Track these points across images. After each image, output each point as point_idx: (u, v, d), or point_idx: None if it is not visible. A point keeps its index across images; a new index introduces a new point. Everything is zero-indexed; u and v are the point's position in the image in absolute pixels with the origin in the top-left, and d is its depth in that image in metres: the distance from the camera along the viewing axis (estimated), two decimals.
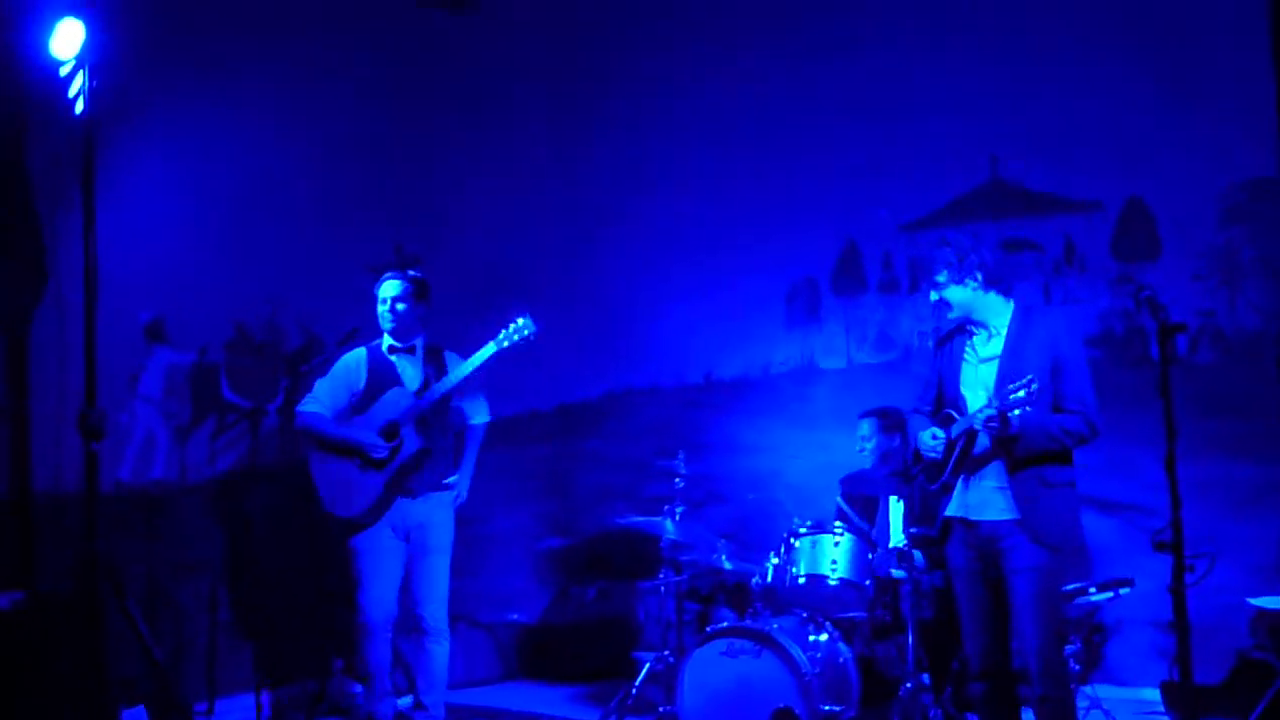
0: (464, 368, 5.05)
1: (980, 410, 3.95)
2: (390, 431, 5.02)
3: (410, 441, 5.02)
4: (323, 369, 5.27)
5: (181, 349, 6.10)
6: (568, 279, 7.52)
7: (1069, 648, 4.89)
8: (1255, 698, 3.03)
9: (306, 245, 6.59)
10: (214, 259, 6.16)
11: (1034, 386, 3.73)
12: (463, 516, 6.82)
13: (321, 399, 5.15)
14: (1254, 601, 4.84)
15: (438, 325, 5.94)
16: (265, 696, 5.19)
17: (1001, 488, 4.01)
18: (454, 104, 7.40)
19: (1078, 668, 4.95)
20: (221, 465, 6.18)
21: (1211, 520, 5.36)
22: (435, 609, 5.14)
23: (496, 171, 7.52)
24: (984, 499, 4.06)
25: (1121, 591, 4.98)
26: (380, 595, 5.09)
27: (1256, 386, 5.60)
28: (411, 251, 7.20)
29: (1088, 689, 5.19)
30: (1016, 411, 3.85)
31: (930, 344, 5.93)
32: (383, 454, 4.99)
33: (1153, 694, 5.23)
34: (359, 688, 5.93)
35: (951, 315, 4.23)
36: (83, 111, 4.08)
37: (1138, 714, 5.15)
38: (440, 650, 5.16)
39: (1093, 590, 5.00)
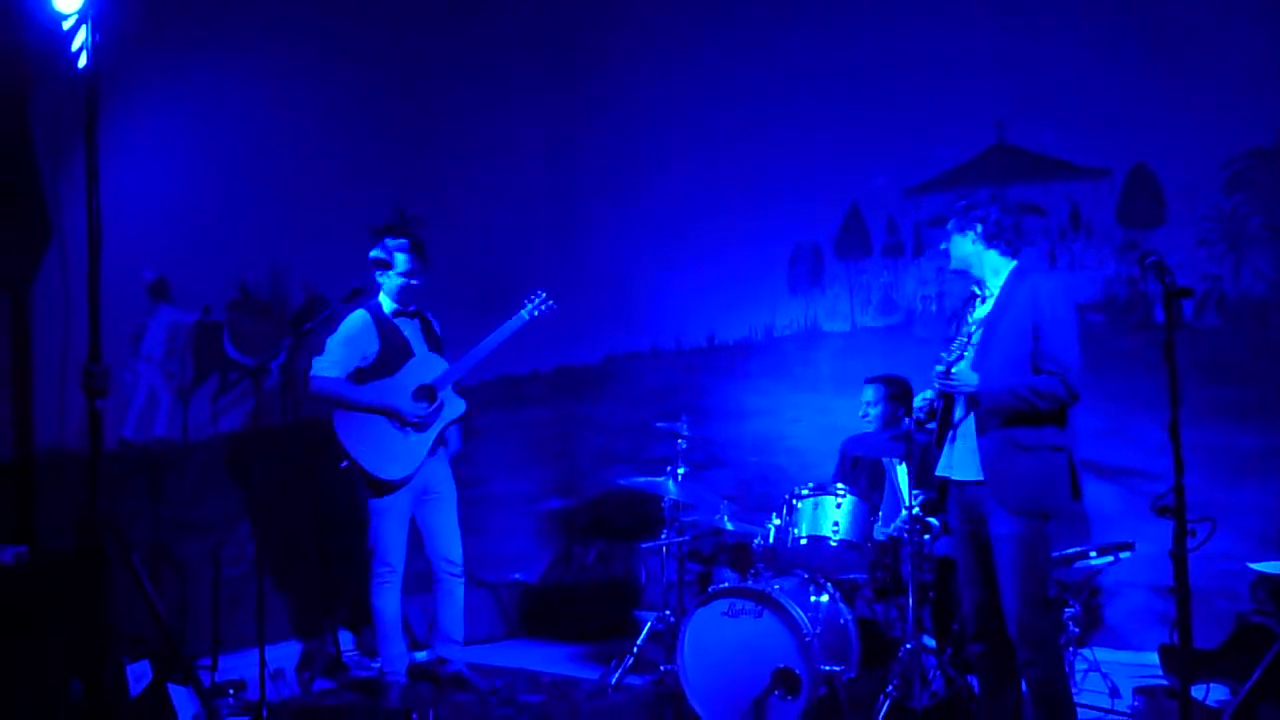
0: (495, 336, 5.31)
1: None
2: (428, 395, 5.22)
3: (451, 405, 5.29)
4: (326, 326, 5.31)
5: (185, 308, 6.09)
6: (570, 243, 7.51)
7: (1068, 611, 4.92)
8: (1254, 661, 3.04)
9: (309, 206, 6.58)
10: (217, 219, 6.16)
11: (966, 350, 4.01)
12: (466, 478, 6.86)
13: (338, 362, 5.21)
14: (1254, 566, 4.85)
15: (437, 289, 5.95)
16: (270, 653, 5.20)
17: (973, 449, 4.04)
18: (455, 67, 7.36)
19: (1077, 631, 4.98)
20: (224, 424, 6.19)
21: (1213, 486, 5.38)
22: (458, 551, 5.45)
23: (497, 133, 7.49)
24: (964, 460, 4.11)
25: (1122, 555, 5.00)
26: (399, 552, 5.29)
27: (1260, 353, 5.60)
28: (414, 214, 7.19)
29: (1087, 652, 5.22)
30: (955, 369, 3.99)
31: (934, 307, 6.00)
32: (426, 418, 5.19)
33: (1152, 657, 5.26)
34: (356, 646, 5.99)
35: (952, 267, 4.28)
36: (86, 67, 4.05)
37: (1137, 677, 5.17)
38: (461, 589, 5.47)
39: (1093, 554, 5.01)
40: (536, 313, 5.37)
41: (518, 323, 5.34)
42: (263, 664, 4.80)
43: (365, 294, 5.26)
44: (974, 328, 4.16)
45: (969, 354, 4.05)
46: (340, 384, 5.19)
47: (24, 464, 5.34)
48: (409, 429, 5.19)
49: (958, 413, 4.15)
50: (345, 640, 6.10)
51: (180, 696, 4.62)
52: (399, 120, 7.12)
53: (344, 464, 5.24)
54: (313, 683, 5.68)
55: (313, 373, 5.20)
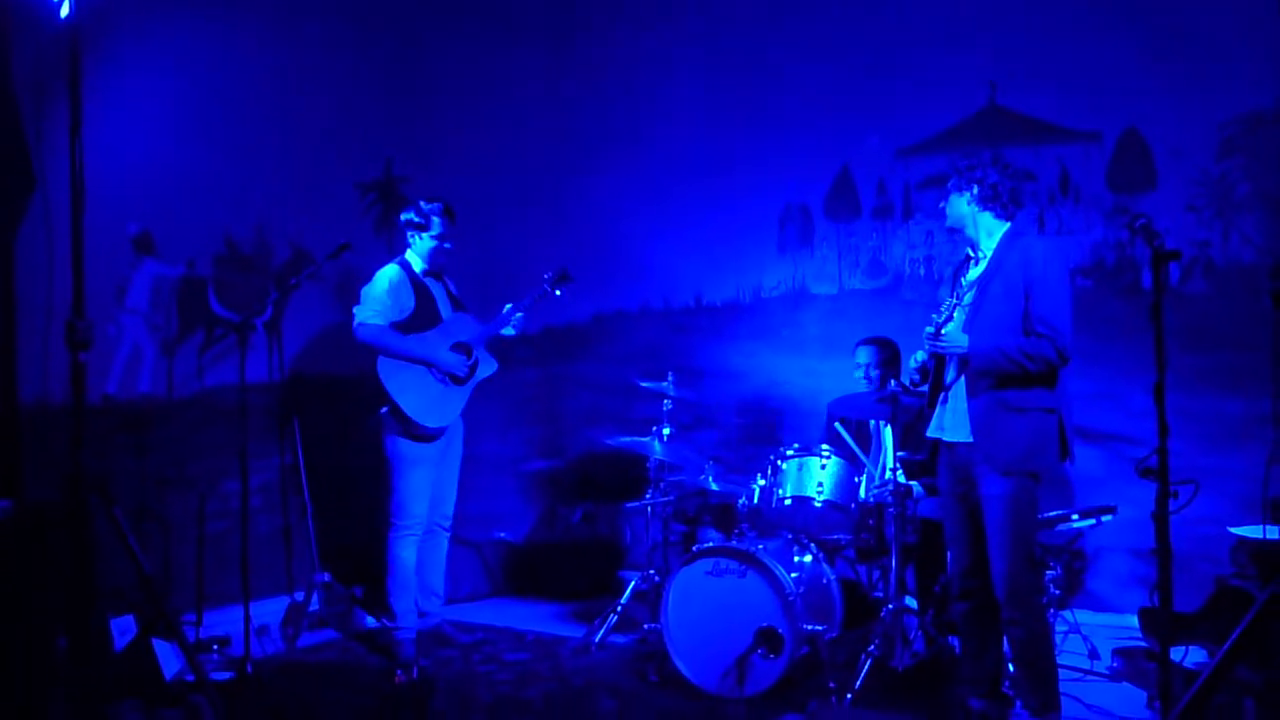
0: (524, 303, 5.57)
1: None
2: (465, 351, 5.47)
3: (486, 362, 5.57)
4: (311, 282, 5.34)
5: (169, 261, 6.05)
6: (558, 200, 7.48)
7: (1049, 573, 4.95)
8: (1232, 624, 3.06)
9: (296, 161, 6.53)
10: (202, 172, 6.10)
11: (956, 311, 4.04)
12: None
13: (381, 311, 5.35)
14: (1235, 530, 4.88)
15: None
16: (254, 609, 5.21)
17: (964, 411, 4.06)
18: (447, 23, 7.30)
19: (1058, 593, 5.02)
20: (210, 379, 6.17)
21: (1197, 451, 5.42)
22: (452, 508, 5.71)
23: (488, 92, 7.44)
24: (955, 421, 4.13)
25: (1104, 519, 5.02)
26: (424, 504, 5.48)
27: (1247, 319, 5.60)
28: (400, 172, 7.15)
29: (1067, 614, 5.27)
30: (945, 330, 4.01)
31: (921, 270, 5.98)
32: (465, 372, 5.45)
33: (1131, 620, 5.32)
34: (339, 604, 6.00)
35: (947, 225, 4.29)
36: (68, 16, 4.00)
37: (1116, 639, 5.22)
38: (447, 544, 5.74)
39: (1075, 517, 5.04)
40: (558, 290, 5.68)
41: (540, 291, 5.63)
42: (247, 619, 4.80)
43: (350, 249, 5.25)
44: (966, 289, 4.16)
45: (959, 315, 4.06)
46: (387, 332, 5.33)
47: (8, 417, 5.30)
48: (449, 382, 5.41)
49: (949, 375, 4.17)
50: (326, 595, 6.10)
51: (164, 651, 4.63)
52: (387, 76, 7.07)
53: (384, 410, 5.38)
54: (297, 639, 5.69)
55: (358, 320, 5.34)
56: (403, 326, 5.38)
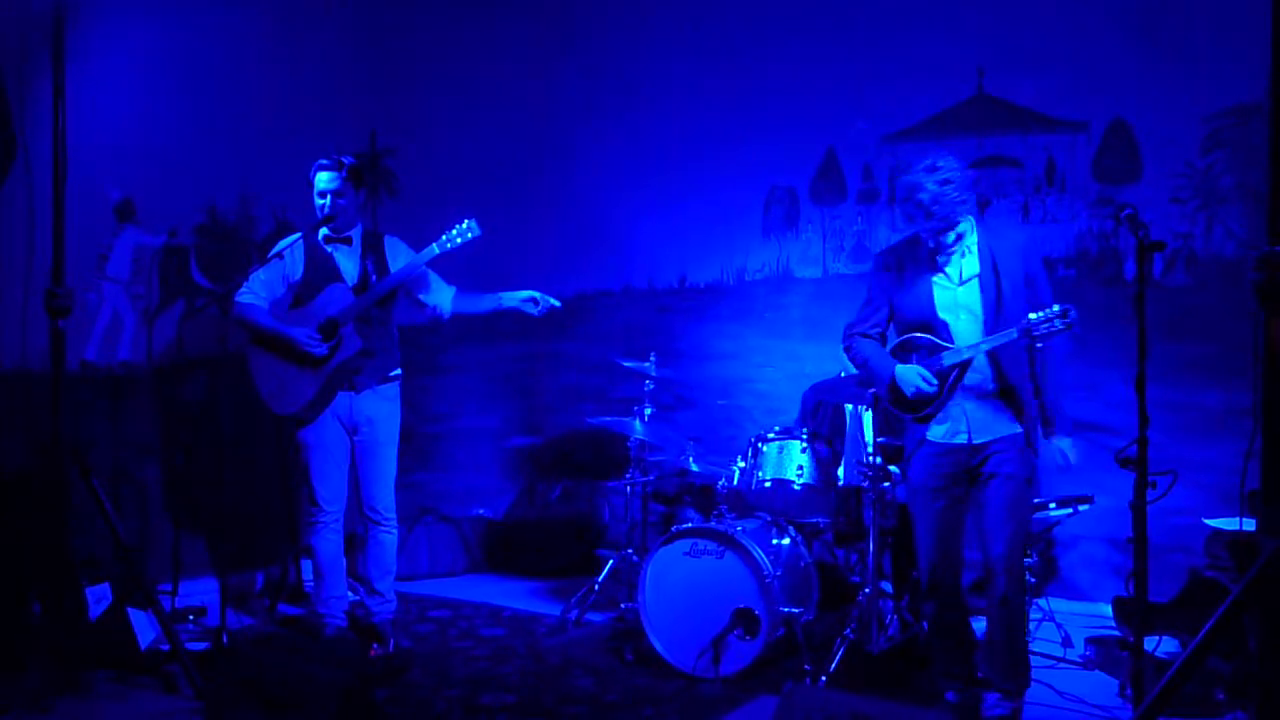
0: (404, 268, 4.92)
1: (991, 338, 3.98)
2: (329, 328, 4.85)
3: (350, 341, 4.87)
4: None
5: (151, 230, 6.01)
6: (543, 177, 7.45)
7: (1026, 560, 4.99)
8: (1205, 615, 3.08)
9: (281, 132, 6.49)
10: (187, 141, 6.07)
11: (1069, 318, 3.82)
12: (432, 413, 6.82)
13: (257, 289, 4.96)
14: (1210, 522, 4.91)
15: (408, 218, 5.85)
16: (229, 580, 5.20)
17: (992, 407, 4.07)
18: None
19: (1033, 580, 5.05)
20: (190, 349, 6.13)
21: (1175, 443, 5.44)
22: (386, 499, 5.11)
23: (475, 64, 7.40)
24: (983, 420, 4.08)
25: (1080, 508, 5.06)
26: (331, 488, 5.04)
27: (1227, 312, 5.63)
28: (385, 144, 7.12)
29: (1042, 601, 5.31)
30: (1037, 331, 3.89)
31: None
32: (321, 351, 4.84)
33: (1105, 609, 5.35)
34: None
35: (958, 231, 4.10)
36: None
37: (1089, 627, 5.26)
38: (391, 539, 5.16)
39: (1052, 506, 5.07)
40: (450, 245, 4.87)
41: (427, 255, 4.88)
42: (224, 590, 4.79)
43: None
44: (956, 284, 4.10)
45: (973, 326, 4.05)
46: (250, 308, 4.92)
47: None
48: (306, 362, 4.87)
49: (952, 376, 4.08)
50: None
51: (140, 620, 4.62)
52: (376, 49, 7.03)
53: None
54: (274, 609, 5.69)
55: (234, 297, 4.92)
56: (294, 299, 4.96)
